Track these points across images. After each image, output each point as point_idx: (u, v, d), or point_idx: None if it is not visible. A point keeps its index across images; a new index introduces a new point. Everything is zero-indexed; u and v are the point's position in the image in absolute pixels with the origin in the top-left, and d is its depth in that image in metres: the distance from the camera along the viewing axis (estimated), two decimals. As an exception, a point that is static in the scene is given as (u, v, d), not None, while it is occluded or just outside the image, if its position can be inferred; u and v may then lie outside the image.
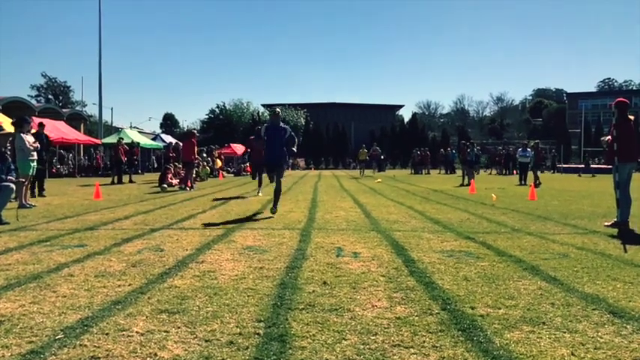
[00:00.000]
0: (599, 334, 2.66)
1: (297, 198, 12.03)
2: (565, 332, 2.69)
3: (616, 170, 6.98)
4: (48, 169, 12.84)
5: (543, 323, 2.83)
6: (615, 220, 6.92)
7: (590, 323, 2.83)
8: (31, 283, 3.71)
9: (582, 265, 4.38)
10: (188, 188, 14.88)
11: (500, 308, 3.11)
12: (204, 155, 25.25)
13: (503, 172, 33.36)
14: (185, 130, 34.15)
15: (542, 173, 18.58)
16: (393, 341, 2.55)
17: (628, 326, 2.79)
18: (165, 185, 15.81)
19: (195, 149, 15.49)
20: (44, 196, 11.85)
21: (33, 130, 12.05)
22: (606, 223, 7.01)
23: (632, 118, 7.12)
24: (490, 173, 33.36)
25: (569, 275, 4.01)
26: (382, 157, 36.51)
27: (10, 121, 12.55)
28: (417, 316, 2.95)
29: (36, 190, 11.94)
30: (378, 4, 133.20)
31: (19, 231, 6.39)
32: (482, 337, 2.59)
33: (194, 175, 16.86)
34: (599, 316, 2.97)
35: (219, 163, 28.32)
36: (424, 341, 2.55)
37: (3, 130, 7.93)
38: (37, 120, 13.62)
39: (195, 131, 21.17)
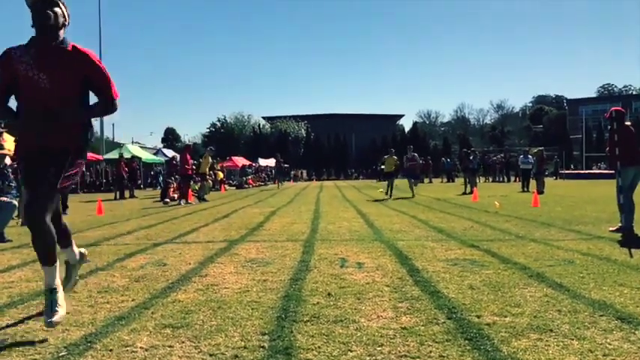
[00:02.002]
0: (608, 340, 2.63)
1: (300, 209, 12.02)
2: (573, 339, 2.66)
3: (619, 175, 6.99)
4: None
5: (551, 330, 2.80)
6: (620, 225, 6.89)
7: (598, 330, 2.80)
8: (34, 300, 3.69)
9: (588, 271, 4.34)
10: (184, 202, 14.89)
11: (506, 316, 3.08)
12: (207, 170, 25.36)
13: (499, 179, 33.37)
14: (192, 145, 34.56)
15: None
16: (399, 352, 2.53)
17: (637, 332, 2.76)
18: (168, 200, 15.83)
19: (190, 162, 15.48)
20: (66, 214, 11.75)
21: None
22: (611, 229, 6.98)
23: (629, 124, 7.26)
24: (486, 181, 33.25)
25: (575, 281, 3.97)
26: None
27: (13, 139, 12.58)
28: (422, 325, 2.93)
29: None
30: (375, 14, 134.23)
31: (21, 248, 6.38)
32: (489, 346, 2.57)
33: (201, 190, 16.94)
34: (607, 322, 2.94)
35: (220, 175, 28.38)
36: (431, 351, 2.53)
37: (2, 149, 7.98)
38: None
39: (191, 144, 21.55)
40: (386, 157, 17.30)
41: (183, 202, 14.90)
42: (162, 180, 29.35)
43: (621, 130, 7.06)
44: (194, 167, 16.10)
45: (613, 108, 7.50)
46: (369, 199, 13.14)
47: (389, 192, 15.98)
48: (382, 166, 44.24)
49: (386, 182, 17.45)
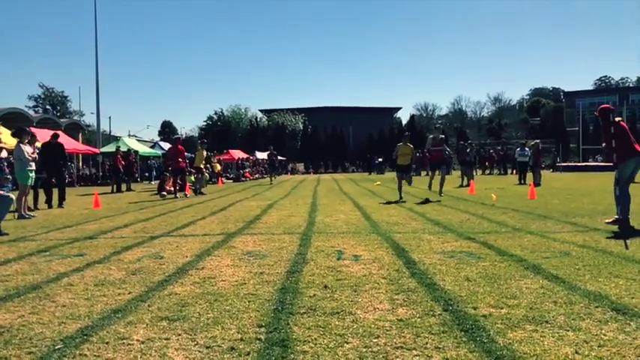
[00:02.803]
0: (603, 331, 2.65)
1: (297, 202, 12.01)
2: (568, 330, 2.67)
3: (617, 167, 7.02)
4: (60, 179, 12.33)
5: (546, 322, 2.81)
6: (616, 217, 6.91)
7: (594, 321, 2.82)
8: (30, 293, 3.69)
9: (584, 263, 4.36)
10: (180, 195, 14.85)
11: (502, 308, 3.09)
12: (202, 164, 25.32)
13: (496, 172, 33.44)
14: (182, 137, 34.54)
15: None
16: (395, 343, 2.53)
17: (631, 323, 2.77)
18: (165, 193, 15.80)
19: (182, 155, 15.29)
20: (63, 207, 11.62)
21: (38, 144, 11.92)
22: (607, 221, 7.00)
23: (619, 119, 7.31)
24: (483, 173, 33.30)
25: (571, 273, 3.99)
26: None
27: (10, 132, 12.49)
28: (419, 317, 2.94)
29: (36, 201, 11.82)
30: (372, 7, 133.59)
31: (18, 241, 6.37)
32: (485, 338, 2.58)
33: (197, 183, 16.90)
34: (602, 313, 2.95)
35: (218, 167, 28.35)
36: (427, 343, 2.53)
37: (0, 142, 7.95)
38: (35, 130, 13.51)
39: (181, 137, 21.51)
40: (400, 144, 12.26)
41: (180, 195, 14.88)
42: (156, 173, 29.31)
43: (615, 124, 7.08)
44: (187, 161, 16.00)
45: (602, 105, 7.57)
46: (382, 202, 11.45)
47: (399, 190, 12.11)
48: (380, 159, 43.28)
49: (393, 174, 14.43)
